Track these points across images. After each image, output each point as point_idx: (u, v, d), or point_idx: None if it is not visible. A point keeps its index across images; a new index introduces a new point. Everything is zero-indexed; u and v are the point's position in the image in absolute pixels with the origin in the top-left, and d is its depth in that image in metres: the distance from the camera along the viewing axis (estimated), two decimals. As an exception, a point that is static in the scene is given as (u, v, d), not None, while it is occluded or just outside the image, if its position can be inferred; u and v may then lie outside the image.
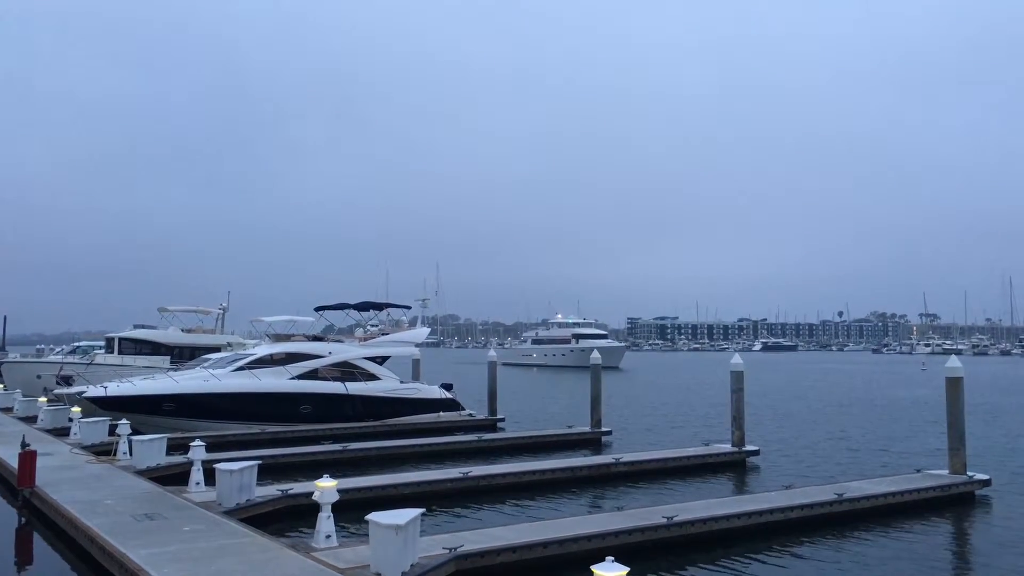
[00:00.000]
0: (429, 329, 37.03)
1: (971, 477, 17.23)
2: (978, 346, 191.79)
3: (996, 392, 52.15)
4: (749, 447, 22.20)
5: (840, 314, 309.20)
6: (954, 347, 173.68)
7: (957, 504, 16.39)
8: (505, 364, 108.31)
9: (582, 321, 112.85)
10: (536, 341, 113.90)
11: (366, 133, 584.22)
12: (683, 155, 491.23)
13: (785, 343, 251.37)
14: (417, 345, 34.08)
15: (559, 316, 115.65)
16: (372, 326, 34.68)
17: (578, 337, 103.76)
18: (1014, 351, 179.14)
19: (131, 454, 18.52)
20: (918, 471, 18.08)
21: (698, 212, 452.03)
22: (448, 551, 10.61)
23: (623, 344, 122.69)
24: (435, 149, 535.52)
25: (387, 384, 30.12)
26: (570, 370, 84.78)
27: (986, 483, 17.35)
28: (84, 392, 25.88)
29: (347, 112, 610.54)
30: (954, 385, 17.73)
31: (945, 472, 17.50)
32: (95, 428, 21.78)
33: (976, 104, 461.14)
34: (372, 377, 29.91)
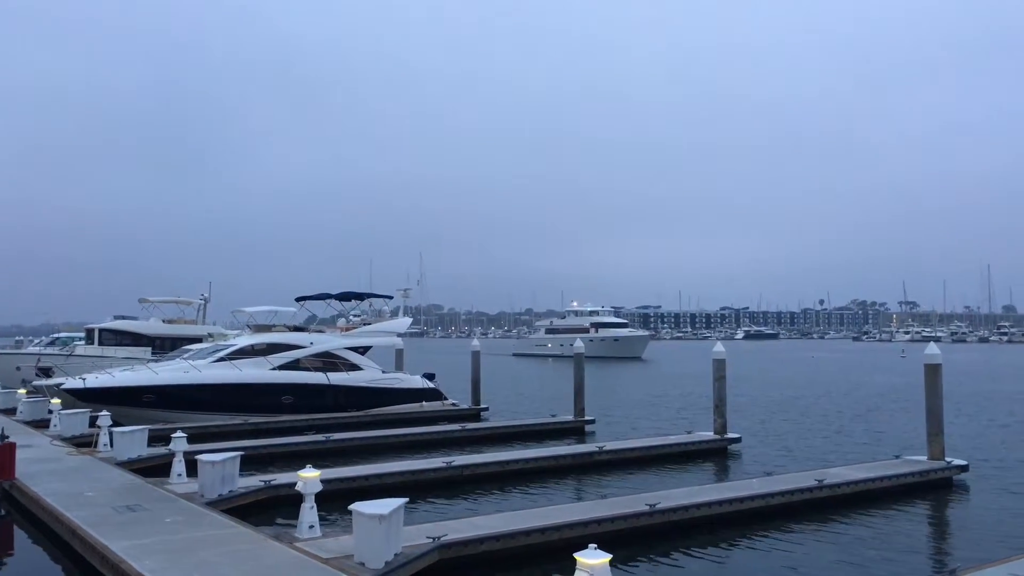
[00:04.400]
0: (411, 319, 36.96)
1: (949, 463, 17.42)
2: (956, 333, 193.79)
3: (974, 379, 52.74)
4: (731, 434, 22.34)
5: (821, 302, 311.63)
6: (933, 334, 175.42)
7: (935, 489, 16.57)
8: (518, 355, 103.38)
9: (601, 309, 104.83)
10: (551, 330, 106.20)
11: (330, 125, 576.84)
12: (665, 147, 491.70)
13: (767, 331, 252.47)
14: (400, 335, 33.98)
15: (575, 304, 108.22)
16: (354, 316, 34.57)
17: (597, 326, 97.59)
18: (992, 338, 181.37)
19: (112, 446, 18.38)
20: (897, 457, 18.26)
21: (680, 202, 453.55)
22: (432, 540, 10.62)
23: (646, 333, 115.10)
24: (409, 139, 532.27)
25: (369, 374, 30.04)
26: (589, 361, 79.75)
27: (964, 469, 17.55)
28: (63, 384, 25.67)
29: (310, 102, 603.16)
30: (933, 372, 17.89)
31: (924, 458, 17.68)
32: (75, 420, 21.61)
33: (954, 95, 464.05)
34: (354, 367, 29.82)
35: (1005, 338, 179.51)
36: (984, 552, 11.85)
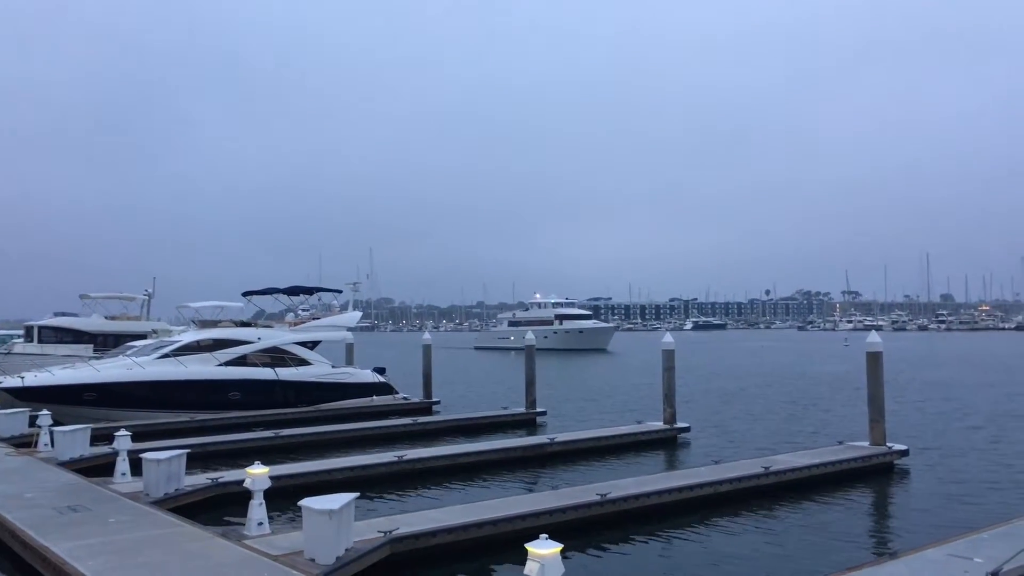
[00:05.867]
0: (361, 313, 36.67)
1: (890, 448, 17.88)
2: (897, 322, 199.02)
3: (914, 366, 54.18)
4: (680, 424, 22.62)
5: (767, 292, 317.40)
6: (875, 323, 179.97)
7: (877, 474, 17.00)
8: (479, 348, 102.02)
9: (564, 301, 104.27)
10: (513, 323, 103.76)
11: (275, 116, 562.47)
12: (612, 139, 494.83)
13: (715, 322, 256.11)
14: (350, 329, 33.72)
15: (537, 296, 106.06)
16: (303, 311, 34.19)
17: (561, 318, 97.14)
18: (931, 326, 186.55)
19: (53, 445, 17.94)
20: (840, 443, 18.67)
21: (629, 195, 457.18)
22: (383, 534, 10.57)
23: (612, 325, 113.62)
24: (357, 130, 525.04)
25: (318, 369, 29.75)
26: (553, 353, 78.78)
27: (904, 453, 18.03)
28: (1, 383, 24.96)
29: (253, 93, 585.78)
30: (874, 360, 18.34)
31: (866, 444, 18.11)
32: (14, 419, 21.01)
33: (895, 89, 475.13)
34: (303, 362, 29.51)
35: (943, 326, 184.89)
36: (924, 534, 12.20)
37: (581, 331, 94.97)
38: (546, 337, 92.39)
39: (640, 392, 37.14)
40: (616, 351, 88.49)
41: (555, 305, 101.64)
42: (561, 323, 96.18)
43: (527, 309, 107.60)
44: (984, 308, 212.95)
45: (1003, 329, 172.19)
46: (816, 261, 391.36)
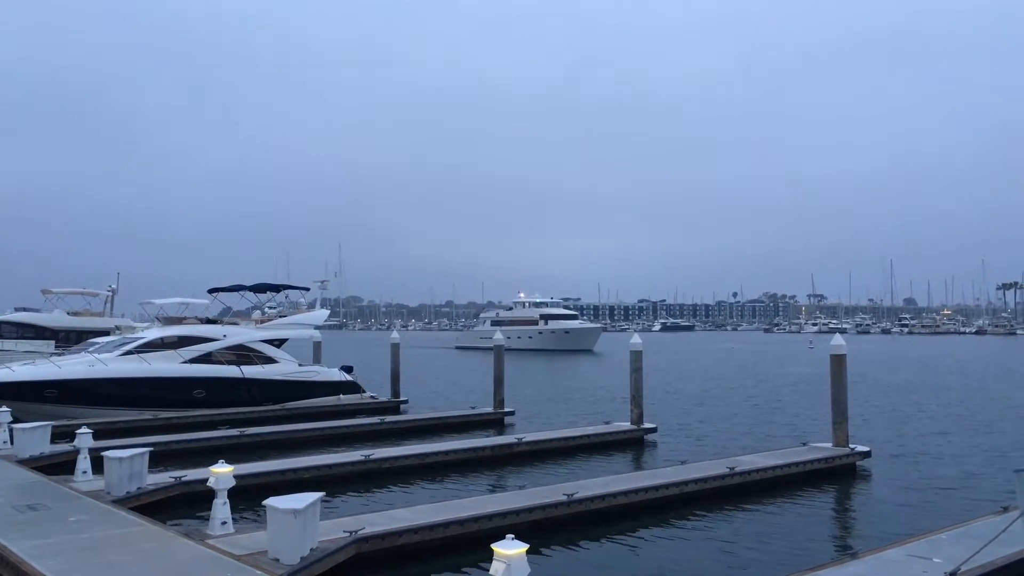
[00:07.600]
0: (328, 311, 36.47)
1: (853, 449, 18.11)
2: (861, 325, 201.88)
3: (877, 368, 54.98)
4: (647, 425, 22.75)
5: (735, 295, 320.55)
6: (839, 326, 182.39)
7: (840, 475, 17.21)
8: (461, 348, 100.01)
9: (550, 300, 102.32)
10: (496, 323, 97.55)
11: (238, 108, 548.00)
12: (580, 140, 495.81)
13: (683, 323, 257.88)
14: (318, 327, 33.50)
15: (522, 295, 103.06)
16: (270, 308, 33.91)
17: (546, 318, 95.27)
18: (893, 329, 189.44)
19: (12, 443, 17.65)
20: (804, 444, 18.88)
21: (599, 196, 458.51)
22: (349, 534, 10.51)
23: (598, 325, 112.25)
24: (324, 124, 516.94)
25: (285, 367, 29.50)
26: (538, 354, 77.20)
27: (866, 455, 18.28)
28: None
29: (214, 84, 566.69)
30: (838, 362, 18.57)
31: (829, 445, 18.33)
32: (-29, 417, 20.61)
33: (860, 91, 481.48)
34: (269, 360, 29.24)
35: (905, 329, 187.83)
36: (885, 534, 12.37)
37: (567, 331, 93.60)
38: (531, 337, 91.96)
39: (609, 393, 37.30)
40: (603, 352, 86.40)
41: (539, 305, 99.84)
42: (546, 323, 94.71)
43: (511, 308, 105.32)
44: (946, 312, 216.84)
45: (963, 333, 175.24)
46: (782, 264, 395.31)
